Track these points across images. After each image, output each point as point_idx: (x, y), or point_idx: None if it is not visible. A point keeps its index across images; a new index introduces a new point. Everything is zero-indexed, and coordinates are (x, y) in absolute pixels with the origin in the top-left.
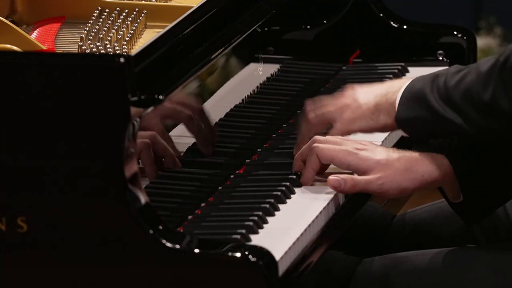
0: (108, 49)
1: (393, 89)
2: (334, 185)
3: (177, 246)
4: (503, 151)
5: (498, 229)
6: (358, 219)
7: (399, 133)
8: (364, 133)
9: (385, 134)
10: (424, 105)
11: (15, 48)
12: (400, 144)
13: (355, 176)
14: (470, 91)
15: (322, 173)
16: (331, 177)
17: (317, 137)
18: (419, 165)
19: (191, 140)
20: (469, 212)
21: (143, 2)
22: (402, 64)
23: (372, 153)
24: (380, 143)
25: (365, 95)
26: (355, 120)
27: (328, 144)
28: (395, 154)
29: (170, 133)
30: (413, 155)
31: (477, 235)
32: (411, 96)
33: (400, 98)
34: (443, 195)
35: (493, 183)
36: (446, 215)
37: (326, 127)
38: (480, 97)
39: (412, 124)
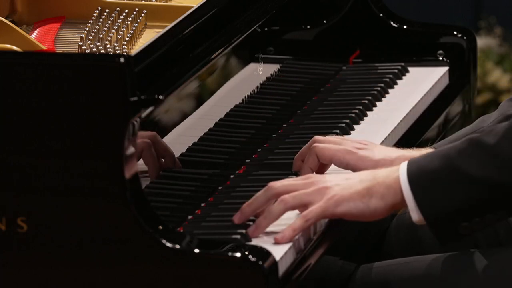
0: (108, 49)
1: (381, 173)
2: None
3: (177, 246)
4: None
5: (498, 232)
6: (355, 225)
7: (398, 134)
8: (349, 218)
9: (385, 135)
10: (462, 181)
11: (15, 48)
12: (400, 144)
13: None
14: None
15: (322, 173)
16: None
17: (317, 137)
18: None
19: (191, 140)
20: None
21: (143, 2)
22: (402, 64)
23: (371, 153)
24: (379, 143)
25: (348, 181)
26: (341, 203)
27: (327, 144)
28: (393, 153)
29: (170, 133)
30: (412, 153)
31: (477, 238)
32: (426, 178)
33: (410, 184)
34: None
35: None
36: None
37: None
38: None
39: (443, 210)
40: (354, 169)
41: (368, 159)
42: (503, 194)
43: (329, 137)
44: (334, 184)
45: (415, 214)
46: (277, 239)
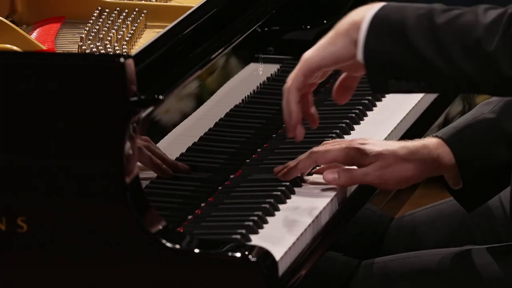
0: (108, 49)
1: (356, 12)
2: (329, 179)
3: (177, 246)
4: (503, 137)
5: (498, 231)
6: (356, 222)
7: (398, 134)
8: (325, 66)
9: (385, 135)
10: (400, 39)
11: (15, 48)
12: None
13: (352, 168)
14: (464, 33)
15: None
16: (326, 171)
17: (314, 148)
18: (419, 154)
19: (191, 140)
20: (470, 198)
21: (143, 2)
22: None
23: (373, 146)
24: (383, 139)
25: (328, 36)
26: (314, 52)
27: (327, 146)
28: (396, 144)
29: (170, 133)
30: (413, 144)
31: (476, 238)
32: (386, 26)
33: (370, 26)
34: (442, 182)
35: (493, 169)
36: (445, 218)
37: None
38: (476, 42)
39: (381, 59)
40: (358, 165)
41: (370, 152)
42: (428, 69)
43: (326, 142)
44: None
45: (359, 52)
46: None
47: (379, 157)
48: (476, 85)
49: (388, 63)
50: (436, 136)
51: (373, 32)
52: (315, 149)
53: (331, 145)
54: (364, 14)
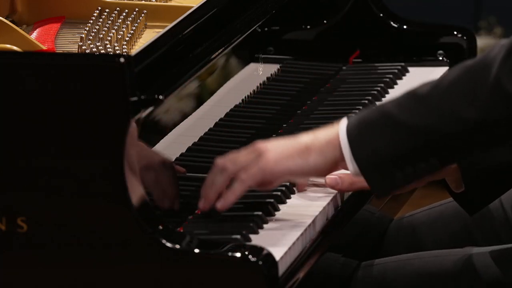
0: (108, 49)
1: (322, 131)
2: (332, 184)
3: (177, 246)
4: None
5: (498, 232)
6: (355, 223)
7: None
8: (290, 176)
9: None
10: (391, 128)
11: (15, 48)
12: None
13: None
14: (457, 84)
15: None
16: (328, 176)
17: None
18: None
19: (191, 140)
20: (472, 201)
21: (143, 2)
22: (402, 64)
23: None
24: None
25: (286, 141)
26: (281, 160)
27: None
28: None
29: (170, 133)
30: None
31: (477, 239)
32: (366, 128)
33: (349, 138)
34: (444, 185)
35: (495, 171)
36: (445, 219)
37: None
38: (476, 83)
39: (378, 158)
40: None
41: None
42: (431, 141)
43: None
44: (274, 145)
45: (351, 165)
46: (218, 205)
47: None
48: (488, 124)
49: (386, 157)
50: None
51: (356, 141)
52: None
53: None
54: (335, 132)
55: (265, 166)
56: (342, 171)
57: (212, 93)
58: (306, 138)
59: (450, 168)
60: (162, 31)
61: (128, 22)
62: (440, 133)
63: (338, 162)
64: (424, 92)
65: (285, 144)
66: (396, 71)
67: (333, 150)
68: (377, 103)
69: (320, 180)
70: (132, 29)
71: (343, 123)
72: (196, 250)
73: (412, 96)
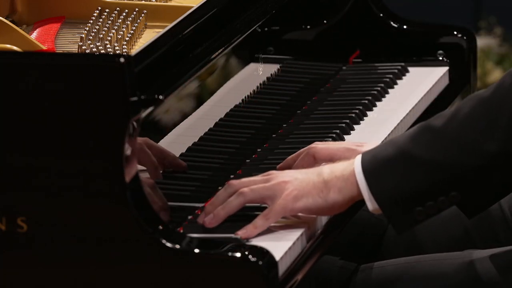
0: (108, 49)
1: (339, 166)
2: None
3: (177, 246)
4: None
5: (497, 233)
6: (355, 223)
7: (398, 134)
8: (309, 213)
9: (385, 135)
10: (408, 165)
11: (15, 48)
12: None
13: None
14: (473, 115)
15: None
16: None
17: (316, 143)
18: None
19: (191, 140)
20: (470, 205)
21: (143, 2)
22: (402, 64)
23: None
24: (383, 139)
25: (305, 174)
26: (300, 198)
27: (326, 144)
28: None
29: (170, 133)
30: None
31: (475, 239)
32: (383, 165)
33: (366, 176)
34: None
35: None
36: (444, 220)
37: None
38: (489, 118)
39: (398, 195)
40: None
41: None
42: (452, 175)
43: (326, 143)
44: (293, 178)
45: (370, 203)
46: (239, 234)
47: None
48: (509, 155)
49: (406, 194)
50: None
51: (373, 178)
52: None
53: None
54: (351, 169)
55: (286, 203)
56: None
57: (212, 93)
58: (324, 174)
59: None
60: (162, 31)
61: (128, 22)
62: (461, 167)
63: (355, 199)
64: (439, 126)
65: (305, 178)
66: (396, 71)
67: (350, 187)
68: (377, 103)
69: None
70: (132, 29)
71: (358, 160)
72: (196, 250)
73: (427, 130)
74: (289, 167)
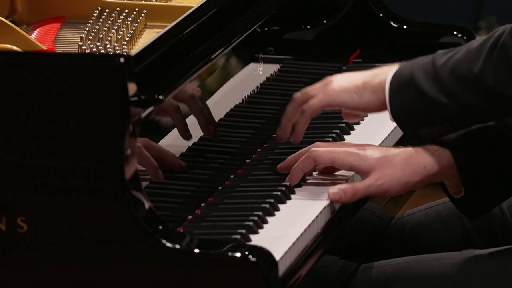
0: (108, 49)
1: (383, 70)
2: (335, 198)
3: (177, 246)
4: (506, 143)
5: (496, 233)
6: (355, 222)
7: (398, 134)
8: (345, 108)
9: (385, 135)
10: (412, 89)
11: (15, 48)
12: (400, 144)
13: (355, 184)
14: (458, 67)
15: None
16: (330, 190)
17: (317, 143)
18: (420, 158)
19: (191, 140)
20: (471, 207)
21: (143, 2)
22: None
23: (372, 152)
24: (380, 143)
25: (352, 74)
26: (339, 93)
27: (327, 148)
28: (395, 150)
29: (170, 133)
30: (414, 149)
31: (475, 239)
32: (400, 81)
33: (391, 83)
34: (445, 191)
35: (495, 176)
36: (444, 218)
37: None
38: (467, 71)
39: (403, 112)
40: (358, 170)
41: (370, 158)
42: (438, 110)
43: (328, 143)
44: (340, 77)
45: (388, 111)
46: (292, 139)
47: (377, 164)
48: (486, 113)
49: (411, 115)
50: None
51: (392, 91)
52: (314, 149)
53: (332, 146)
54: (385, 77)
55: (324, 97)
56: (344, 184)
57: (212, 93)
58: (367, 75)
59: (449, 171)
60: (162, 31)
61: (128, 22)
62: (448, 107)
63: (385, 103)
64: (439, 65)
65: (348, 77)
66: None
67: (382, 92)
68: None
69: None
70: (132, 29)
71: (393, 70)
72: (196, 250)
73: (432, 65)
74: (289, 167)
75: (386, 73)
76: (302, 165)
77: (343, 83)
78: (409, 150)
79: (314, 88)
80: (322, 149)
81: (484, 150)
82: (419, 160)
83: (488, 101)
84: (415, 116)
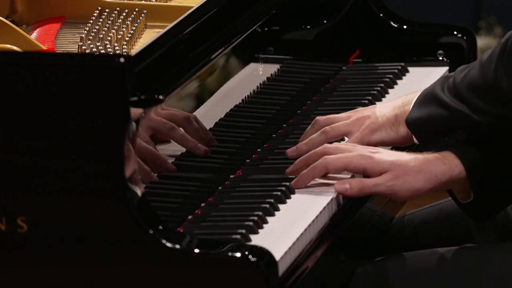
0: (108, 49)
1: (409, 98)
2: (341, 190)
3: (177, 246)
4: None
5: (498, 231)
6: (356, 221)
7: None
8: (383, 145)
9: None
10: (434, 102)
11: (15, 48)
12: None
13: (363, 179)
14: (473, 81)
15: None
16: (337, 183)
17: (326, 145)
18: (432, 166)
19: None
20: (480, 212)
21: (143, 2)
22: (402, 64)
23: (385, 155)
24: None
25: (383, 108)
26: (376, 131)
27: (339, 154)
28: (408, 155)
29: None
30: (426, 156)
31: (477, 238)
32: (423, 97)
33: (413, 104)
34: (451, 196)
35: (504, 181)
36: (445, 217)
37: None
38: (482, 81)
39: (423, 122)
40: (371, 173)
41: (383, 161)
42: (455, 116)
43: (339, 145)
44: (371, 113)
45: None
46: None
47: (390, 167)
48: (503, 122)
49: (429, 123)
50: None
51: (414, 107)
52: (326, 157)
53: (342, 150)
54: (412, 102)
55: (363, 136)
56: (352, 178)
57: (212, 93)
58: (396, 107)
59: (459, 178)
60: (162, 31)
61: (128, 22)
62: (464, 114)
63: None
64: (458, 82)
65: (381, 112)
66: (396, 71)
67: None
68: (377, 103)
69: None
70: (132, 29)
71: (417, 95)
72: (196, 250)
73: (451, 81)
74: (298, 171)
75: (412, 99)
76: (313, 173)
77: (378, 121)
78: (421, 157)
79: (341, 118)
80: (333, 156)
81: (493, 155)
82: (431, 168)
83: (504, 105)
84: (436, 125)
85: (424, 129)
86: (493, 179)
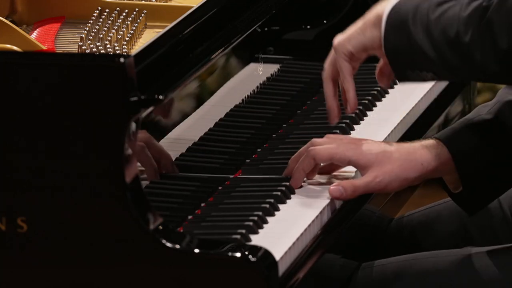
0: (108, 49)
1: (381, 4)
2: (336, 195)
3: (177, 246)
4: (503, 138)
5: (496, 231)
6: (355, 222)
7: (398, 134)
8: (357, 50)
9: (384, 135)
10: (405, 33)
11: (15, 48)
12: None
13: (354, 181)
14: (449, 30)
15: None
16: (331, 187)
17: (315, 139)
18: (418, 154)
19: (191, 140)
20: (470, 202)
21: (143, 2)
22: None
23: (370, 146)
24: (383, 139)
25: (355, 24)
26: (347, 41)
27: (325, 145)
28: (392, 146)
29: (170, 133)
30: (411, 145)
31: (476, 239)
32: (396, 20)
33: (386, 20)
34: (443, 187)
35: (492, 170)
36: (444, 218)
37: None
38: (457, 35)
39: (395, 51)
40: (356, 164)
41: (368, 153)
42: (425, 58)
43: (326, 138)
44: (345, 33)
45: (382, 45)
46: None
47: (376, 159)
48: (466, 76)
49: (401, 55)
50: (434, 138)
51: (389, 25)
52: (312, 147)
53: (329, 142)
54: (385, 7)
55: (333, 52)
56: (344, 181)
57: (212, 93)
58: (364, 16)
59: (447, 166)
60: (162, 31)
61: (128, 22)
62: (433, 59)
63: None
64: (432, 18)
65: (353, 27)
66: None
67: (379, 26)
68: (377, 103)
69: (323, 179)
70: (132, 29)
71: (390, 4)
72: (196, 250)
73: (427, 13)
74: (293, 169)
75: (384, 6)
76: (302, 166)
77: (347, 32)
78: (406, 146)
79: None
80: (319, 147)
81: (480, 144)
82: (416, 157)
83: (472, 71)
84: (404, 58)
85: (397, 59)
86: (482, 167)
